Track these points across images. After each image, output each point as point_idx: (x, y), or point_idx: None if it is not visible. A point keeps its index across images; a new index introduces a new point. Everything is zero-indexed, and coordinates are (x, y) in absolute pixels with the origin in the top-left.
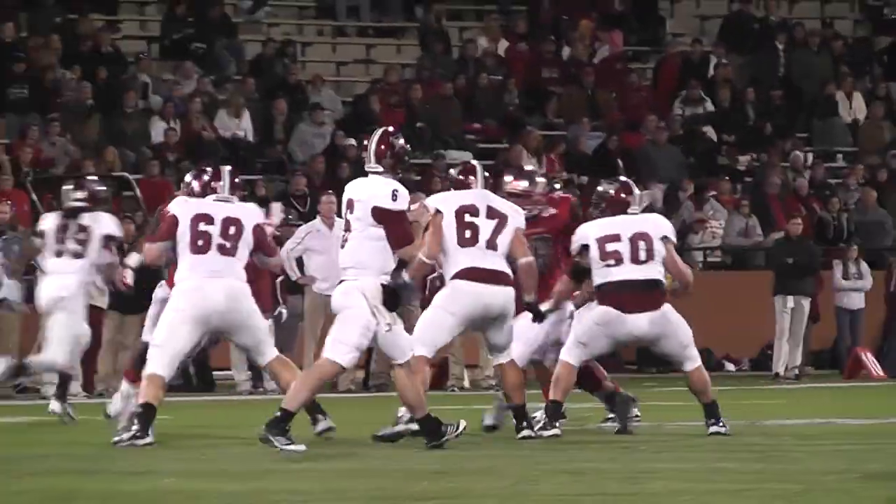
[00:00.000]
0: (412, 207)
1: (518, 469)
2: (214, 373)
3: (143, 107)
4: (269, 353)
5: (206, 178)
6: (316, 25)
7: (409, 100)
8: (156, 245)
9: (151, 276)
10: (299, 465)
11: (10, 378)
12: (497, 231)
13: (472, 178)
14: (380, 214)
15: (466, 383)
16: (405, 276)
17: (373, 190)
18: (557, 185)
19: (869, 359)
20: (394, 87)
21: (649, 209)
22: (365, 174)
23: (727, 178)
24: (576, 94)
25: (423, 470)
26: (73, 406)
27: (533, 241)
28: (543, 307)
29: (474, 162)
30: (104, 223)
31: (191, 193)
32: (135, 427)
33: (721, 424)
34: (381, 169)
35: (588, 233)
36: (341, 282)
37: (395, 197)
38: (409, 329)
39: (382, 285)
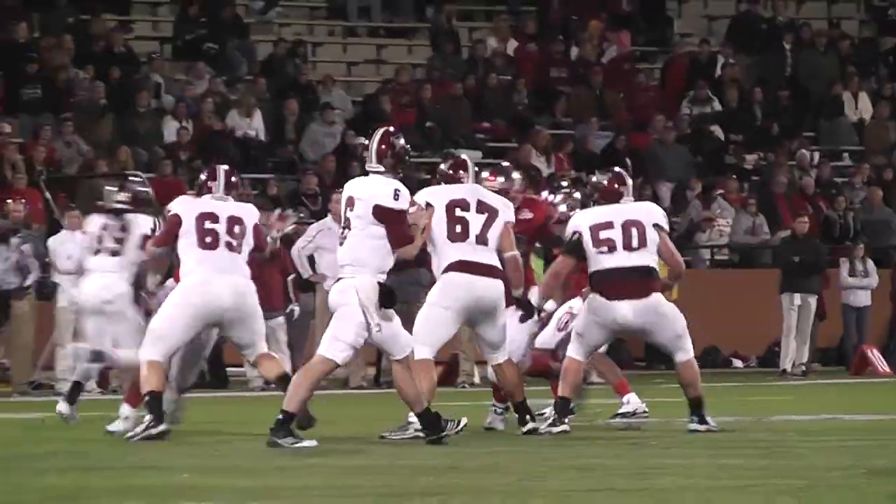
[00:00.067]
0: (411, 210)
1: (525, 465)
2: (228, 369)
3: (156, 106)
4: (261, 347)
5: (202, 177)
6: (327, 26)
7: (420, 99)
8: (159, 250)
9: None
10: (309, 461)
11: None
12: (487, 225)
13: (462, 172)
14: (381, 213)
15: (477, 379)
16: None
17: (374, 189)
18: (565, 183)
19: (875, 356)
20: (404, 86)
21: None
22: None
23: (734, 176)
24: (584, 93)
25: (430, 466)
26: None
27: None
28: (532, 300)
29: (465, 156)
30: (142, 223)
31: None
32: (147, 417)
33: (701, 422)
34: (382, 168)
35: (581, 221)
36: (339, 279)
37: (396, 196)
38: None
39: (379, 283)
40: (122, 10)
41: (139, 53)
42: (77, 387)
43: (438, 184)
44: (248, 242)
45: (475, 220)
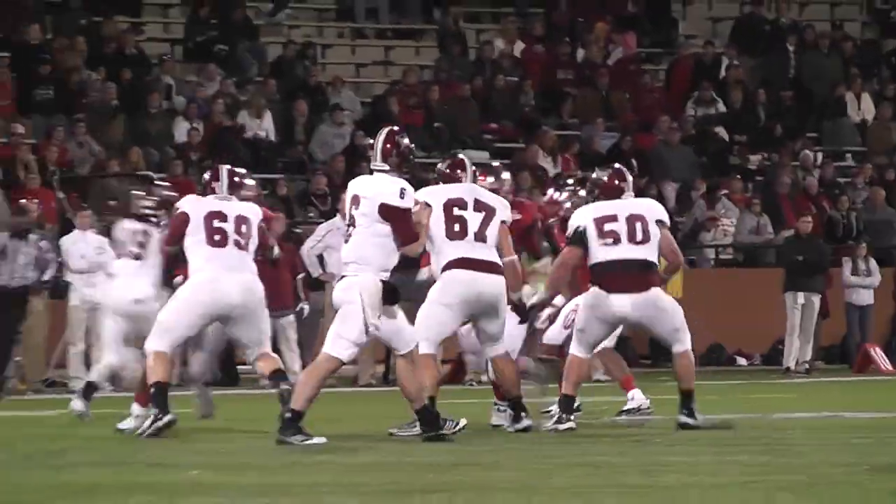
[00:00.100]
0: (414, 209)
1: (530, 462)
2: (238, 367)
3: (167, 107)
4: (264, 347)
5: (206, 177)
6: (336, 28)
7: (428, 101)
8: (172, 248)
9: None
10: (318, 458)
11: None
12: (485, 224)
13: (460, 172)
14: (387, 212)
15: (484, 378)
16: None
17: (380, 187)
18: (570, 181)
19: (878, 354)
20: (412, 88)
21: None
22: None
23: (739, 177)
24: (590, 95)
25: (437, 463)
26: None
27: None
28: (535, 297)
29: (462, 156)
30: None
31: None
32: (154, 411)
33: (690, 416)
34: (387, 167)
35: (584, 215)
36: (342, 277)
37: (402, 195)
38: None
39: (382, 281)
40: (133, 13)
41: (150, 55)
42: (92, 385)
43: (436, 183)
44: (255, 241)
45: (473, 219)
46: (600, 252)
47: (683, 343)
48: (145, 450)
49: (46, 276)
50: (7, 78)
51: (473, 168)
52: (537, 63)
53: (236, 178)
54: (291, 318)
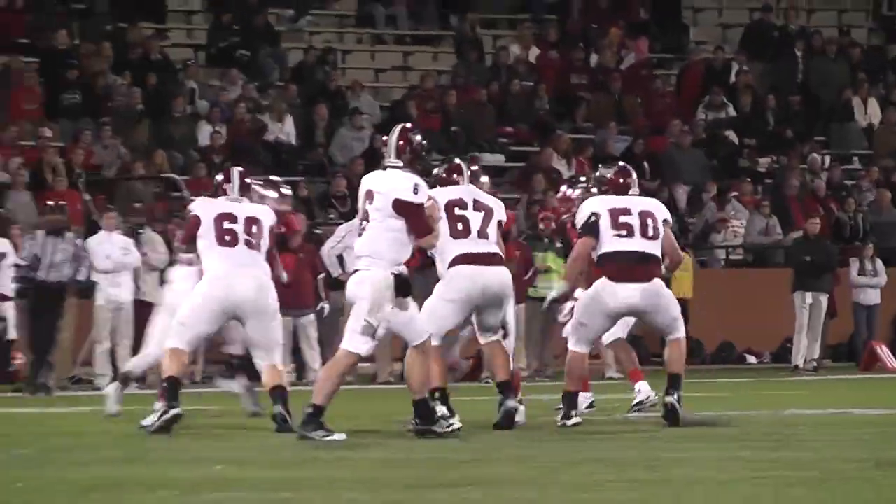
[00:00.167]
0: (427, 204)
1: (546, 457)
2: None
3: (191, 112)
4: (273, 357)
5: (218, 179)
6: (355, 34)
7: (445, 105)
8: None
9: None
10: (338, 453)
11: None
12: (486, 222)
13: (456, 175)
14: (401, 207)
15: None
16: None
17: (394, 183)
18: (583, 178)
19: (884, 352)
20: (430, 92)
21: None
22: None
23: (748, 179)
24: (604, 99)
25: (454, 459)
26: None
27: None
28: (555, 291)
29: (459, 160)
30: None
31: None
32: (161, 405)
33: (679, 401)
34: (400, 163)
35: (599, 203)
36: (355, 271)
37: (416, 190)
38: None
39: (394, 274)
40: (158, 19)
41: (175, 60)
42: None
43: (433, 187)
44: (266, 242)
45: (474, 218)
46: (613, 243)
47: (680, 331)
48: (169, 446)
49: (82, 276)
50: (35, 83)
51: (469, 171)
52: (552, 68)
53: (247, 180)
54: (312, 317)
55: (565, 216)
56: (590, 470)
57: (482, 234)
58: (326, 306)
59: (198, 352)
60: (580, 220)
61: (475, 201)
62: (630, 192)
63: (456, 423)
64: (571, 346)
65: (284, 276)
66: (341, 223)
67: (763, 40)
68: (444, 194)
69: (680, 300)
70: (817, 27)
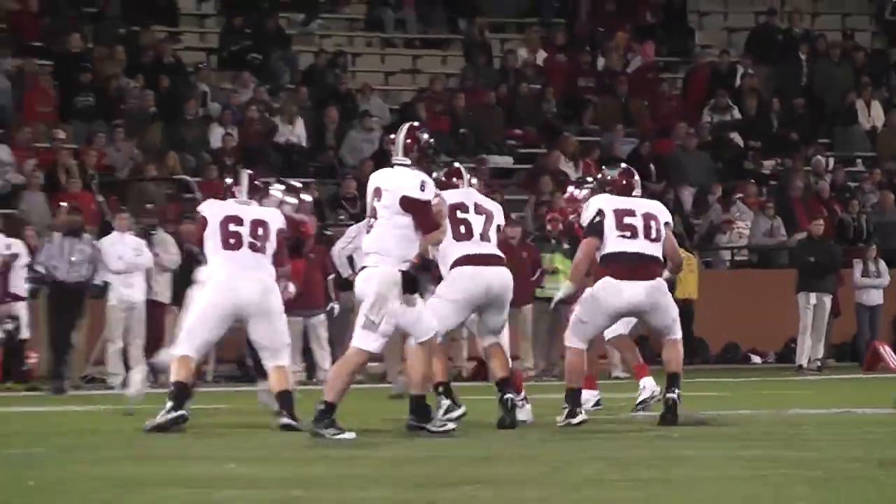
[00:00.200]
0: (434, 201)
1: (556, 456)
2: None
3: (203, 114)
4: (280, 358)
5: (227, 181)
6: (365, 37)
7: (454, 108)
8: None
9: None
10: (350, 451)
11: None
12: (487, 225)
13: (456, 179)
14: (408, 204)
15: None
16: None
17: (401, 181)
18: (589, 179)
19: (887, 352)
20: (439, 95)
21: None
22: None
23: (753, 181)
24: (610, 102)
25: (464, 457)
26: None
27: None
28: (562, 291)
29: (458, 164)
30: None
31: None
32: (169, 405)
33: (677, 393)
34: (408, 161)
35: (605, 202)
36: (363, 268)
37: (423, 187)
38: None
39: (401, 271)
40: (170, 22)
41: (187, 63)
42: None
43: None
44: (272, 245)
45: (476, 221)
46: (616, 244)
47: (678, 332)
48: (182, 444)
49: (98, 280)
50: (49, 85)
51: (468, 175)
52: (559, 71)
53: (257, 182)
54: (322, 317)
55: (572, 217)
56: (600, 468)
57: (484, 236)
58: (336, 306)
59: (209, 353)
60: (586, 216)
61: (476, 205)
62: (633, 194)
63: (461, 411)
64: (570, 342)
65: (292, 289)
66: (351, 224)
67: (768, 44)
68: (446, 198)
69: (685, 301)
70: (821, 31)
